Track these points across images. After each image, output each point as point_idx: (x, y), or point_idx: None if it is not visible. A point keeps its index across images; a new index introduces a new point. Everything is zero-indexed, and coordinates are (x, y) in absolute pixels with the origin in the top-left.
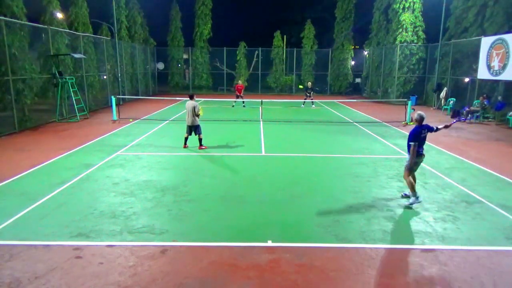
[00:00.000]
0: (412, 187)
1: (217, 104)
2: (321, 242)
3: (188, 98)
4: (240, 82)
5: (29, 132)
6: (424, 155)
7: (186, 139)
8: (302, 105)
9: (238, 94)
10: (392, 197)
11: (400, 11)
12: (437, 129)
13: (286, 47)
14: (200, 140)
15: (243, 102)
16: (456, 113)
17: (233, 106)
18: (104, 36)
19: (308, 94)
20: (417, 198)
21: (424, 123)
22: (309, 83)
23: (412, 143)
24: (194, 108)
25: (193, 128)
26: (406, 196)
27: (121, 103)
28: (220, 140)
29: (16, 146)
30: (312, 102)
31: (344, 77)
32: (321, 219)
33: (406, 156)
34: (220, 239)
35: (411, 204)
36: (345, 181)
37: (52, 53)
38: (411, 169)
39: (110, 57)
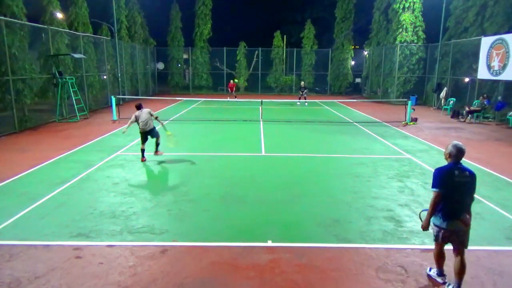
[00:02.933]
0: (436, 261)
1: (217, 104)
2: (321, 242)
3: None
4: (231, 81)
5: (29, 132)
6: (463, 220)
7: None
8: (298, 104)
9: (231, 91)
10: (392, 197)
11: (400, 11)
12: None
13: (286, 47)
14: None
15: (235, 96)
16: (456, 113)
17: (235, 97)
18: (104, 36)
19: (301, 93)
20: (438, 275)
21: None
22: (302, 83)
23: (434, 190)
24: (149, 112)
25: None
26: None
27: (121, 103)
28: (220, 140)
29: (16, 146)
30: (306, 101)
31: (344, 77)
32: (321, 219)
33: (405, 156)
34: (220, 239)
35: (431, 276)
36: (345, 181)
37: (52, 53)
38: (437, 238)
39: (110, 57)
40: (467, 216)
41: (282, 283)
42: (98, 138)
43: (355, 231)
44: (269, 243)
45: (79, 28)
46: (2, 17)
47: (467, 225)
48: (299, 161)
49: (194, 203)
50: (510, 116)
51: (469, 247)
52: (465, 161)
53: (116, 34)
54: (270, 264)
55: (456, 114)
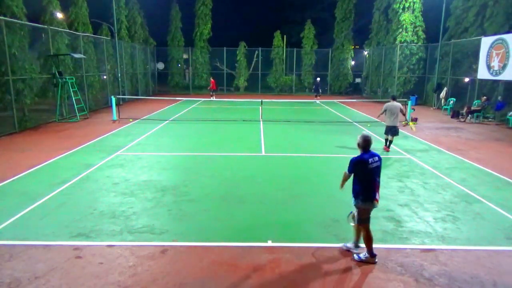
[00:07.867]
0: (367, 244)
1: (217, 104)
2: (321, 242)
3: (392, 100)
4: (211, 78)
5: (29, 132)
6: (376, 201)
7: (389, 141)
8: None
9: (212, 88)
10: (392, 197)
11: (400, 11)
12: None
13: (286, 47)
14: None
15: (213, 95)
16: (456, 113)
17: (212, 96)
18: (104, 36)
19: (319, 91)
20: (372, 256)
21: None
22: (318, 78)
23: (346, 172)
24: (401, 109)
25: (394, 129)
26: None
27: (121, 103)
28: (220, 140)
29: (16, 146)
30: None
31: (344, 77)
32: (321, 219)
33: (405, 156)
34: (220, 239)
35: (362, 259)
36: None
37: (52, 53)
38: (360, 218)
39: (110, 57)
40: (377, 194)
41: (282, 283)
42: (98, 138)
43: None
44: (269, 243)
45: (79, 28)
46: (2, 17)
47: (377, 201)
48: (299, 161)
49: (194, 203)
50: (510, 116)
51: (469, 247)
52: (466, 161)
53: (116, 34)
54: (270, 264)
55: (456, 114)
